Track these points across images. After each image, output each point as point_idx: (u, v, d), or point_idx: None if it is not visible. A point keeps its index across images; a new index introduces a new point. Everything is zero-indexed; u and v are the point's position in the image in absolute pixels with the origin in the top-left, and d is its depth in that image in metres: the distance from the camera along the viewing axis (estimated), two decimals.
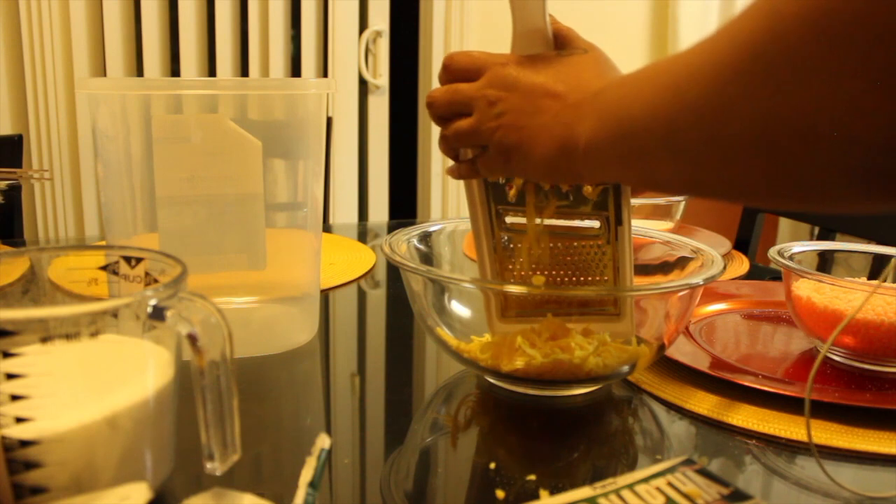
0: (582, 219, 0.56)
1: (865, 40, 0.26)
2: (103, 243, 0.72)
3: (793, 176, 0.32)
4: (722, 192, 0.39)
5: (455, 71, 0.50)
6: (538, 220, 0.56)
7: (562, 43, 0.50)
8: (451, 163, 0.54)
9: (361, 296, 0.85)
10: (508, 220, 0.57)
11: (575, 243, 0.56)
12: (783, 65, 0.29)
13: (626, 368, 0.54)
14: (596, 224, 0.56)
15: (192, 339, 0.35)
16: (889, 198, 0.31)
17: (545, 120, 0.45)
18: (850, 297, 0.61)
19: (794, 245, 0.70)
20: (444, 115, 0.51)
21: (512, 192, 0.56)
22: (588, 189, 0.55)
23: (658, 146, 0.37)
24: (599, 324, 0.56)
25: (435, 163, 2.05)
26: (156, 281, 0.42)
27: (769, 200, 0.41)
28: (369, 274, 0.91)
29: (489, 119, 0.48)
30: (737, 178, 0.35)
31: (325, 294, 0.82)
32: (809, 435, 0.44)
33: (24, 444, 0.34)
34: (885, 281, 0.70)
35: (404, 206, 2.16)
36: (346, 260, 0.95)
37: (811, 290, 0.63)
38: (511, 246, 0.57)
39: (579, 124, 0.43)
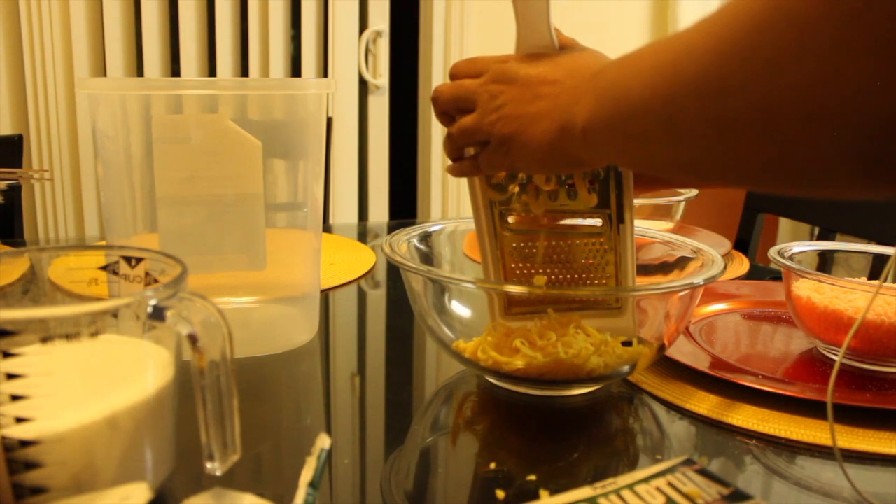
0: (584, 217, 0.56)
1: (881, 15, 0.25)
2: (103, 243, 0.72)
3: (794, 158, 0.30)
4: (722, 175, 0.37)
5: (459, 75, 0.52)
6: (539, 212, 0.56)
7: (562, 47, 0.50)
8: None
9: (361, 296, 0.85)
10: (511, 219, 0.57)
11: (577, 241, 0.56)
12: (789, 39, 0.28)
13: (626, 368, 0.54)
14: (598, 222, 0.56)
15: (192, 339, 0.35)
16: (892, 185, 0.29)
17: (543, 105, 0.45)
18: (851, 297, 0.61)
19: (794, 245, 0.70)
20: (447, 110, 0.52)
21: (515, 202, 0.56)
22: (584, 190, 0.55)
23: (656, 126, 0.36)
24: (601, 319, 0.56)
25: (435, 163, 2.05)
26: (156, 281, 0.42)
27: (769, 184, 0.39)
28: (369, 274, 0.91)
29: (490, 112, 0.48)
30: (736, 160, 0.34)
31: (325, 294, 0.82)
32: (834, 439, 0.43)
33: (24, 444, 0.34)
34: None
35: (404, 206, 2.16)
36: (346, 260, 0.95)
37: (811, 290, 0.63)
38: (515, 245, 0.57)
39: (577, 105, 0.42)
